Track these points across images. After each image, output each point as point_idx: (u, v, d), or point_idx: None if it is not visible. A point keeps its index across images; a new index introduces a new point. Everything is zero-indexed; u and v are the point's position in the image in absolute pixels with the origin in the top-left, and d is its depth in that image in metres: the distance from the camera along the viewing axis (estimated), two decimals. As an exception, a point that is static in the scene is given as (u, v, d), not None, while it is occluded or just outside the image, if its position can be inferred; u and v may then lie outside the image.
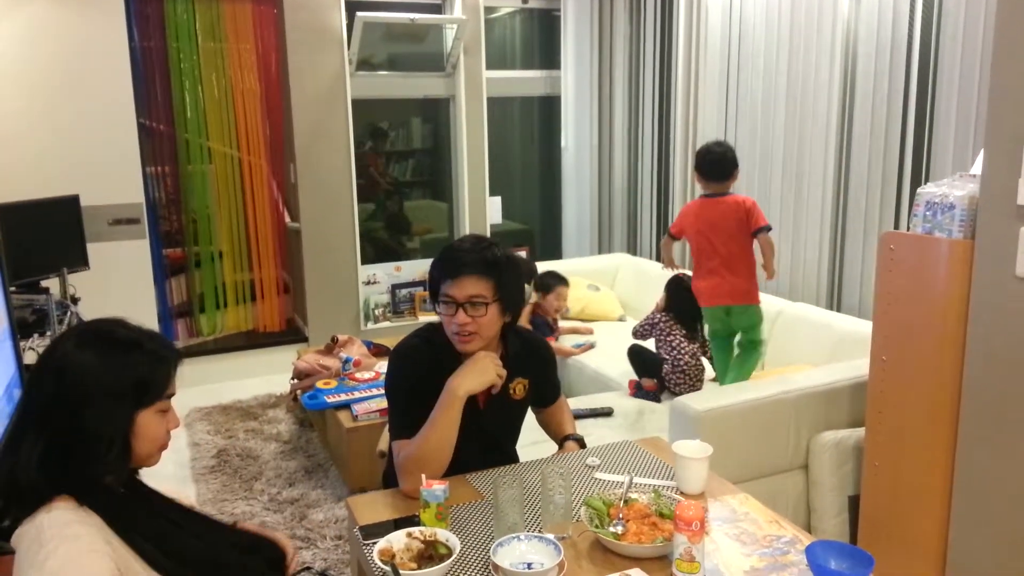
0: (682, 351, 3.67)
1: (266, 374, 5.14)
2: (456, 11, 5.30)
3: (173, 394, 1.44)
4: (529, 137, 6.29)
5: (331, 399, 3.68)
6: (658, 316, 3.81)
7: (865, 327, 3.46)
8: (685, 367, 3.64)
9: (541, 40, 6.01)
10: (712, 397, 2.84)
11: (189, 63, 5.10)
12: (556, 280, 4.47)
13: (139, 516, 1.40)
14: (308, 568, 2.95)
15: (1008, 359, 2.10)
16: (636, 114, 5.39)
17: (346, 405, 3.62)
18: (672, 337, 3.72)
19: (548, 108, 6.01)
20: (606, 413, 3.38)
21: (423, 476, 1.78)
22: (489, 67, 5.51)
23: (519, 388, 2.14)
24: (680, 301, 3.79)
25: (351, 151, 5.20)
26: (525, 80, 5.89)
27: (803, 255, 4.10)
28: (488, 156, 5.61)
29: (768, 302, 4.06)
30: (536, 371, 2.19)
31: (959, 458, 2.29)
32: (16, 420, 1.38)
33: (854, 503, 2.80)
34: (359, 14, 4.94)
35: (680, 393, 3.43)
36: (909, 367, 2.41)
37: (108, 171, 4.64)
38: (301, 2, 4.95)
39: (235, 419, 4.40)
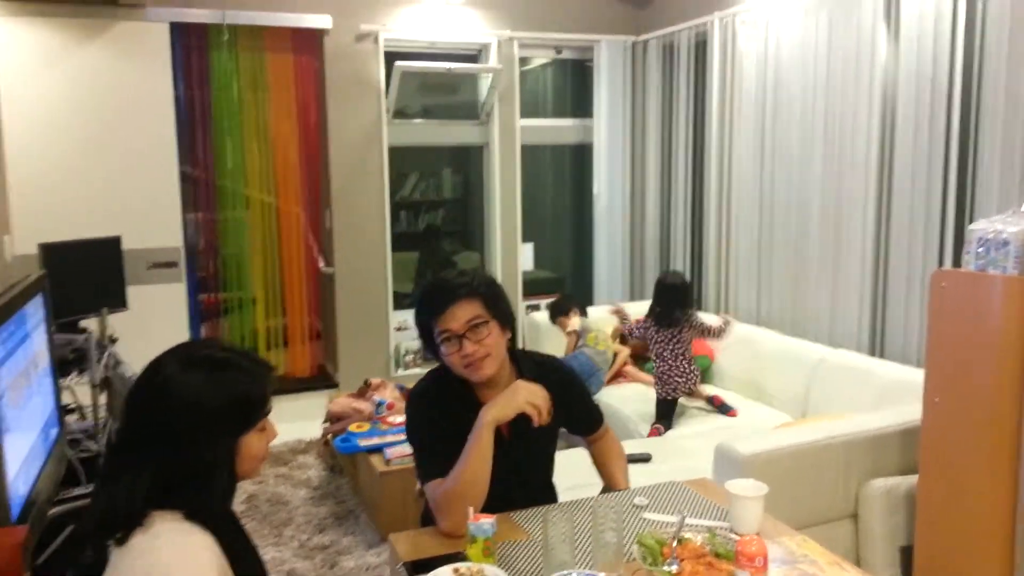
0: (664, 358, 4.00)
1: (296, 420, 5.09)
2: (492, 61, 5.39)
3: (271, 410, 1.41)
4: (561, 185, 6.33)
5: (364, 442, 3.63)
6: (640, 326, 4.17)
7: (910, 373, 3.39)
8: (670, 371, 3.97)
9: (574, 89, 6.08)
10: (758, 441, 2.76)
11: (231, 112, 5.20)
12: (569, 302, 4.82)
13: (238, 540, 1.38)
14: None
15: (1073, 399, 2.03)
16: (669, 161, 5.40)
17: (378, 449, 3.58)
18: (656, 345, 4.06)
19: (580, 156, 6.05)
20: (644, 459, 3.31)
21: (470, 509, 1.73)
22: (523, 115, 5.57)
23: None
24: (659, 302, 4.13)
25: (386, 197, 5.25)
26: (558, 128, 5.94)
27: (843, 301, 4.03)
28: (520, 203, 5.64)
29: (808, 350, 4.01)
30: (559, 392, 2.07)
31: (1020, 505, 2.20)
32: (118, 447, 1.36)
33: (907, 554, 2.68)
34: (397, 63, 5.03)
35: (670, 396, 3.96)
36: (964, 409, 2.34)
37: (149, 216, 4.72)
38: (341, 53, 5.07)
39: (265, 464, 4.35)
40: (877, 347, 3.88)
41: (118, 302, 4.04)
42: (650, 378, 4.25)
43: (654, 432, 3.87)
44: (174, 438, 1.30)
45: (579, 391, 2.26)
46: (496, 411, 1.89)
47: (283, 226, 5.43)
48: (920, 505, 2.51)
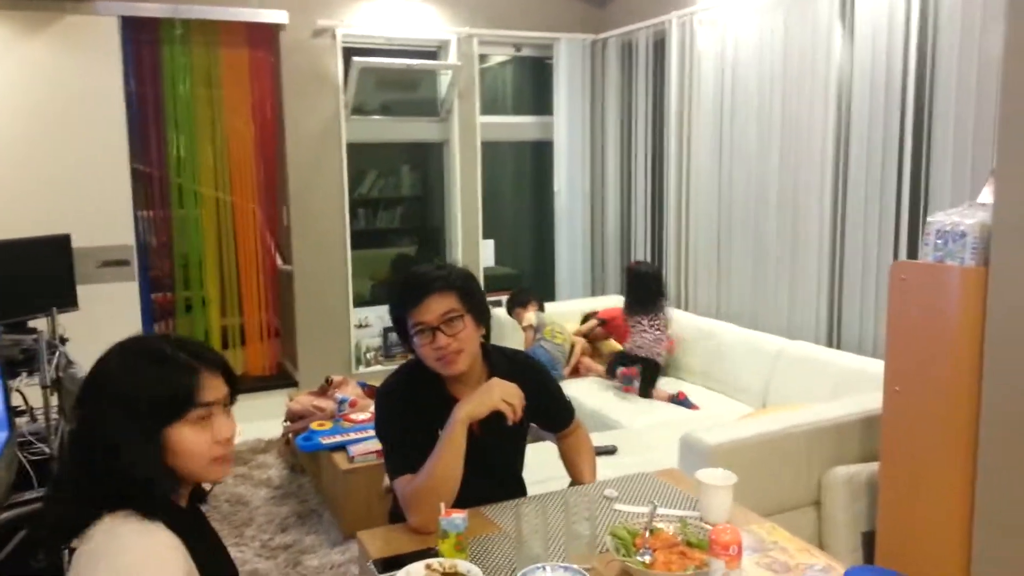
0: (645, 338, 4.32)
1: (255, 419, 4.99)
2: (451, 58, 5.36)
3: (208, 403, 1.33)
4: (521, 181, 6.32)
5: (326, 440, 3.58)
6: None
7: (866, 363, 3.47)
8: (654, 340, 4.34)
9: (534, 87, 6.08)
10: (723, 431, 2.79)
11: (184, 108, 5.09)
12: (525, 296, 4.89)
13: (203, 540, 1.34)
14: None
15: (1028, 385, 2.08)
16: (629, 157, 5.43)
17: (342, 447, 3.53)
18: (637, 327, 4.36)
19: (540, 153, 6.05)
20: (610, 452, 3.32)
21: (442, 505, 1.71)
22: (483, 112, 5.55)
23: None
24: (635, 290, 4.44)
25: (345, 194, 5.19)
26: (518, 125, 5.94)
27: (801, 294, 4.10)
28: (481, 200, 5.62)
29: (767, 342, 4.07)
30: (531, 389, 2.06)
31: (979, 490, 2.25)
32: (69, 445, 1.34)
33: (868, 539, 2.73)
34: (355, 59, 4.98)
35: (654, 356, 4.31)
36: (924, 397, 2.39)
37: (99, 213, 4.60)
38: (298, 48, 4.99)
39: (221, 481, 4.27)
40: (834, 338, 3.96)
41: (68, 301, 3.92)
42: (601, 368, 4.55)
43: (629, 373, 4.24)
44: (98, 429, 1.27)
45: (551, 387, 2.25)
46: (470, 408, 1.88)
47: (239, 224, 5.34)
48: (882, 491, 2.56)
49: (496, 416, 1.99)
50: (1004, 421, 2.16)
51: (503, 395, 1.89)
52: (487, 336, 2.07)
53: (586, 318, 4.90)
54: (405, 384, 2.06)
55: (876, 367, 3.30)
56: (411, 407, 2.00)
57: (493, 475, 2.08)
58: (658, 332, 4.36)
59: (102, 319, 4.48)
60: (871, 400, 2.92)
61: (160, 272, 5.27)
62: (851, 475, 2.79)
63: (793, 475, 2.80)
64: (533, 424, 2.21)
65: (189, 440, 1.31)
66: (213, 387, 1.35)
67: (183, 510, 1.37)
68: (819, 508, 2.85)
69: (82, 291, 4.15)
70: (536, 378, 2.16)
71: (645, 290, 4.41)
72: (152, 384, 1.30)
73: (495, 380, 1.93)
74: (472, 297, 1.97)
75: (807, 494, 2.83)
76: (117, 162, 4.66)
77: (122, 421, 1.27)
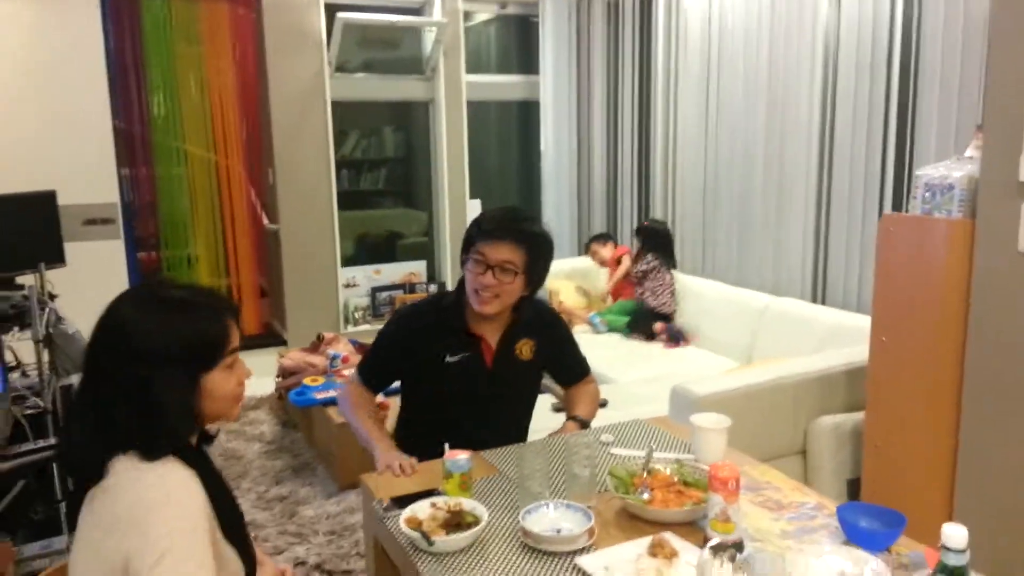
0: (667, 282, 4.59)
1: (247, 379, 5.04)
2: (436, 14, 5.31)
3: (237, 348, 1.38)
4: (507, 141, 6.31)
5: (319, 395, 3.62)
6: (649, 262, 4.60)
7: (850, 318, 3.53)
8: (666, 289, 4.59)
9: (519, 45, 6.04)
10: (712, 383, 2.85)
11: (165, 65, 5.02)
12: None
13: (215, 480, 1.36)
14: (303, 563, 2.90)
15: (1010, 334, 2.14)
16: (615, 116, 5.43)
17: (334, 401, 3.56)
18: (660, 274, 4.59)
19: (527, 113, 6.03)
20: (601, 405, 3.36)
21: (446, 445, 1.76)
22: (468, 71, 5.51)
23: (525, 349, 2.16)
24: (663, 246, 4.65)
25: (331, 153, 5.16)
26: (504, 84, 5.91)
27: (787, 251, 4.15)
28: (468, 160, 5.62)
29: (753, 298, 4.13)
30: (544, 337, 2.19)
31: (963, 436, 2.32)
32: (80, 393, 1.33)
33: (853, 486, 2.82)
34: (339, 15, 4.92)
35: (661, 309, 4.56)
36: (910, 347, 2.45)
37: (82, 171, 4.54)
38: (280, 3, 4.92)
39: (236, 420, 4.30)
40: (819, 294, 4.02)
41: (55, 257, 3.89)
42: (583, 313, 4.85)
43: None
44: (132, 380, 1.27)
45: (565, 340, 2.31)
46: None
47: (224, 182, 5.31)
48: (867, 438, 2.64)
49: (508, 355, 2.10)
50: (987, 369, 2.22)
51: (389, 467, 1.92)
52: (532, 295, 2.14)
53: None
54: (427, 307, 2.17)
55: (860, 321, 3.37)
56: (418, 330, 2.10)
57: (498, 413, 2.16)
58: (673, 286, 4.64)
59: (88, 277, 4.47)
60: (856, 353, 3.00)
61: (145, 231, 5.24)
62: (836, 424, 2.86)
63: (780, 425, 2.88)
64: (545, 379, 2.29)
65: (221, 383, 1.35)
66: (236, 332, 1.40)
67: (194, 450, 1.40)
68: (805, 457, 2.93)
69: (68, 249, 4.13)
70: (554, 329, 2.26)
71: (668, 246, 4.68)
72: (192, 332, 1.32)
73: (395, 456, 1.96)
74: (537, 264, 2.04)
75: (793, 443, 2.91)
76: (99, 119, 4.59)
77: (160, 370, 1.28)
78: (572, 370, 2.33)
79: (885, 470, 2.58)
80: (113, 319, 1.32)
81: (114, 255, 4.70)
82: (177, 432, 1.32)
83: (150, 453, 1.27)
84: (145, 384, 1.27)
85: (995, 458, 2.23)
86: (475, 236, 2.04)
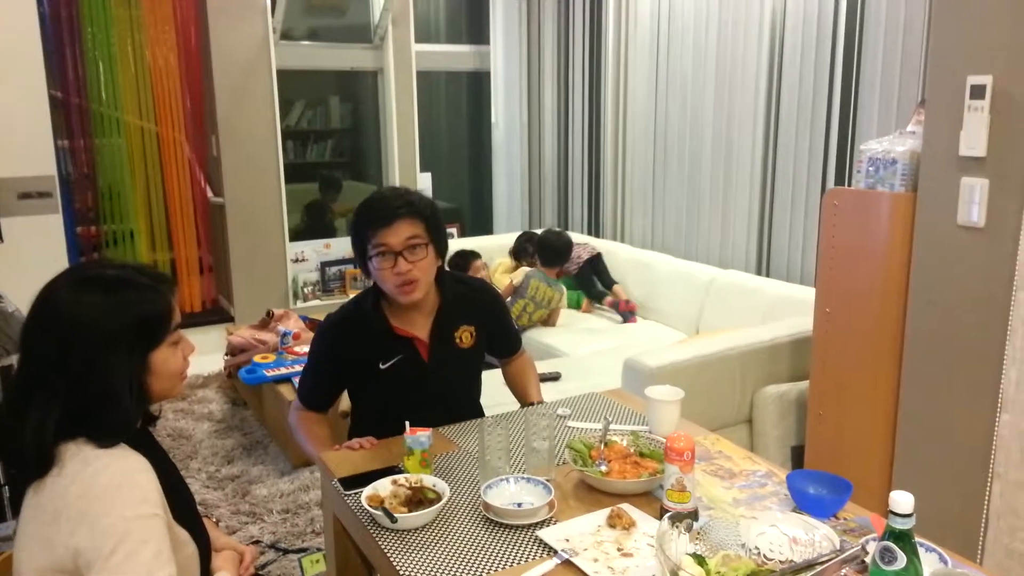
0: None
1: (191, 355, 4.96)
2: (384, -19, 5.22)
3: (179, 323, 1.36)
4: (457, 113, 6.26)
5: (270, 373, 3.58)
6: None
7: (794, 290, 3.63)
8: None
9: (469, 14, 5.97)
10: (663, 354, 2.90)
11: (102, 32, 4.84)
12: (470, 256, 4.75)
13: (164, 462, 1.34)
14: (258, 542, 2.88)
15: (949, 304, 2.23)
16: (566, 89, 5.44)
17: (286, 379, 3.54)
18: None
19: (477, 84, 5.99)
20: (554, 378, 3.42)
21: (407, 423, 1.76)
22: (417, 41, 5.44)
23: (465, 336, 2.10)
24: (545, 254, 4.54)
25: (277, 123, 5.06)
26: (454, 55, 5.85)
27: (732, 225, 4.23)
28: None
29: (700, 271, 4.21)
30: (485, 317, 2.15)
31: (902, 403, 2.42)
32: (19, 381, 1.28)
33: (797, 453, 2.92)
34: (284, -19, 4.80)
35: None
36: (853, 318, 2.53)
37: (17, 142, 4.35)
38: (222, -33, 4.78)
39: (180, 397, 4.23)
40: (763, 267, 4.12)
41: (-9, 234, 3.76)
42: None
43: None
44: (76, 365, 1.24)
45: (502, 314, 2.29)
46: None
47: (165, 154, 5.16)
48: (811, 407, 2.72)
49: (443, 342, 2.05)
50: (927, 338, 2.31)
51: None
52: (441, 265, 2.08)
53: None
54: (346, 320, 2.06)
55: (803, 293, 3.47)
56: (346, 342, 2.04)
57: (447, 403, 2.11)
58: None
59: (25, 253, 4.34)
60: (800, 324, 3.09)
61: (83, 204, 5.08)
62: (781, 393, 2.95)
63: (727, 394, 2.95)
64: None
65: (168, 360, 1.33)
66: (176, 308, 1.37)
67: (139, 432, 1.38)
68: (751, 425, 3.02)
69: (3, 224, 4.00)
70: (489, 305, 2.20)
71: (553, 256, 4.57)
72: (134, 311, 1.29)
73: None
74: (437, 228, 1.98)
75: (740, 412, 2.99)
76: (34, 88, 4.39)
77: (107, 352, 1.25)
78: (510, 344, 2.31)
79: (828, 437, 2.67)
80: (50, 305, 1.27)
81: (52, 230, 4.53)
82: (128, 415, 1.29)
83: (101, 439, 1.25)
84: (92, 368, 1.25)
85: (933, 424, 2.32)
86: (367, 231, 1.93)
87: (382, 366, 2.02)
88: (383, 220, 1.91)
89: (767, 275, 4.07)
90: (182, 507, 1.35)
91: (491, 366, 2.35)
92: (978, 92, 2.05)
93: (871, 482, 2.53)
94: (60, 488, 1.21)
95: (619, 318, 4.45)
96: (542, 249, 4.56)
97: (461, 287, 2.13)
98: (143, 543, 1.17)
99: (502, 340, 2.29)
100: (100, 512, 1.17)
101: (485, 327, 2.15)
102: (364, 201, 1.99)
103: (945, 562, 1.34)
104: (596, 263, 4.69)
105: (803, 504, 1.57)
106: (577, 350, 3.96)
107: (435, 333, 2.05)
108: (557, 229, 4.92)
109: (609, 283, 4.66)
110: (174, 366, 1.35)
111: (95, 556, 1.16)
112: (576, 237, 5.06)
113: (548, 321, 4.41)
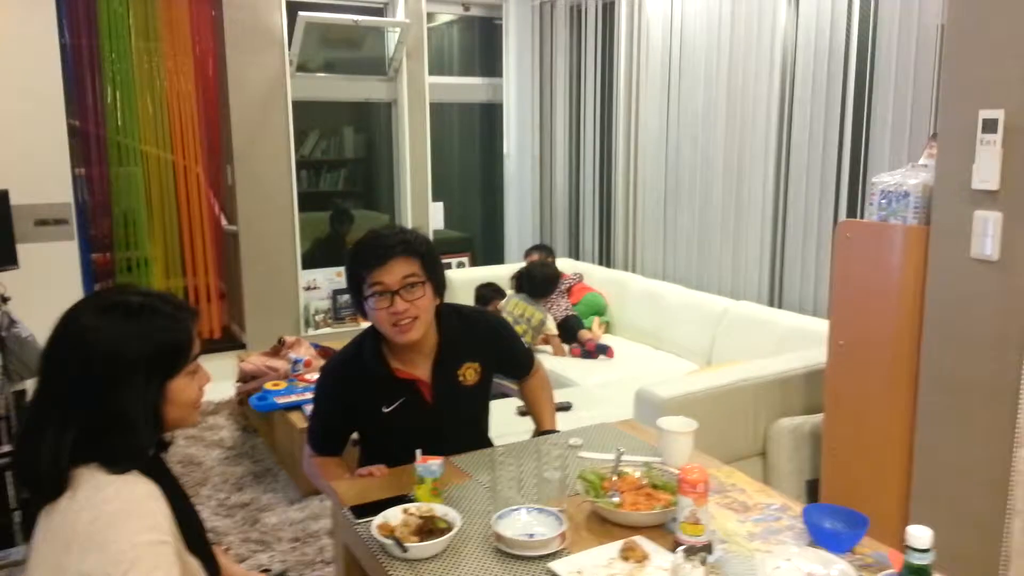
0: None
1: (206, 385, 4.96)
2: (399, 15, 5.30)
3: (199, 353, 1.37)
4: (470, 144, 6.31)
5: (281, 400, 3.58)
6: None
7: (806, 321, 3.61)
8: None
9: (482, 48, 6.05)
10: (675, 385, 2.89)
11: (122, 62, 4.92)
12: (493, 293, 4.59)
13: (175, 490, 1.34)
14: (267, 570, 2.87)
15: (964, 337, 2.22)
16: (578, 121, 5.48)
17: (297, 406, 3.54)
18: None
19: (489, 115, 6.04)
20: (565, 408, 3.40)
21: (418, 452, 1.76)
22: (430, 73, 5.51)
23: (469, 373, 2.08)
24: (529, 285, 4.40)
25: (291, 153, 5.11)
26: (467, 87, 5.91)
27: (744, 256, 4.23)
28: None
29: (712, 302, 4.20)
30: (488, 350, 2.12)
31: (918, 438, 2.39)
32: (38, 403, 1.29)
33: (812, 487, 2.88)
34: (301, 14, 4.88)
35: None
36: (866, 351, 2.52)
37: (34, 170, 4.43)
38: (241, 1, 4.86)
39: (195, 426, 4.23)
40: (776, 298, 4.11)
41: (8, 259, 3.79)
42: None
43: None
44: (95, 390, 1.25)
45: (507, 338, 2.27)
46: None
47: (181, 182, 5.22)
48: (825, 440, 2.70)
49: (447, 381, 2.04)
50: (942, 371, 2.30)
51: None
52: (441, 301, 2.06)
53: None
54: (346, 364, 2.06)
55: (816, 325, 3.46)
56: (348, 388, 2.03)
57: (454, 441, 2.05)
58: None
59: (41, 279, 4.37)
60: (813, 356, 3.07)
61: (99, 232, 5.12)
62: (795, 426, 2.93)
63: (741, 427, 2.93)
64: (496, 378, 2.26)
65: (185, 390, 1.34)
66: (196, 338, 1.38)
67: (152, 459, 1.38)
68: (765, 458, 2.99)
69: (20, 250, 4.03)
70: (492, 333, 2.19)
71: (538, 288, 4.44)
72: (154, 340, 1.30)
73: None
74: (433, 266, 1.97)
75: (754, 445, 2.97)
76: (53, 117, 4.48)
77: (126, 379, 1.26)
78: (520, 363, 2.30)
79: (843, 471, 2.65)
80: (72, 328, 1.28)
81: (67, 256, 4.59)
82: (143, 442, 1.30)
83: (114, 465, 1.25)
84: (110, 394, 1.25)
85: (950, 458, 2.30)
86: (362, 272, 1.91)
87: (385, 410, 2.01)
88: (378, 259, 1.89)
89: (779, 306, 4.05)
90: (193, 536, 1.35)
91: (496, 396, 2.34)
92: (990, 126, 2.06)
93: (887, 517, 2.49)
94: (72, 514, 1.21)
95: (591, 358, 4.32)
96: (527, 281, 4.42)
97: (459, 322, 2.10)
98: (153, 569, 1.17)
99: (511, 364, 2.29)
100: (110, 539, 1.17)
101: (490, 359, 2.14)
102: (359, 240, 1.97)
103: (964, 599, 1.32)
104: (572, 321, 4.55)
105: (819, 538, 1.56)
106: (586, 380, 3.95)
107: (437, 373, 2.04)
108: (542, 260, 4.81)
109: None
110: (190, 396, 1.36)
111: None
112: (579, 264, 5.07)
113: (548, 343, 4.42)
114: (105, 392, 1.25)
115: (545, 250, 5.08)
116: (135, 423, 1.27)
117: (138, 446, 1.29)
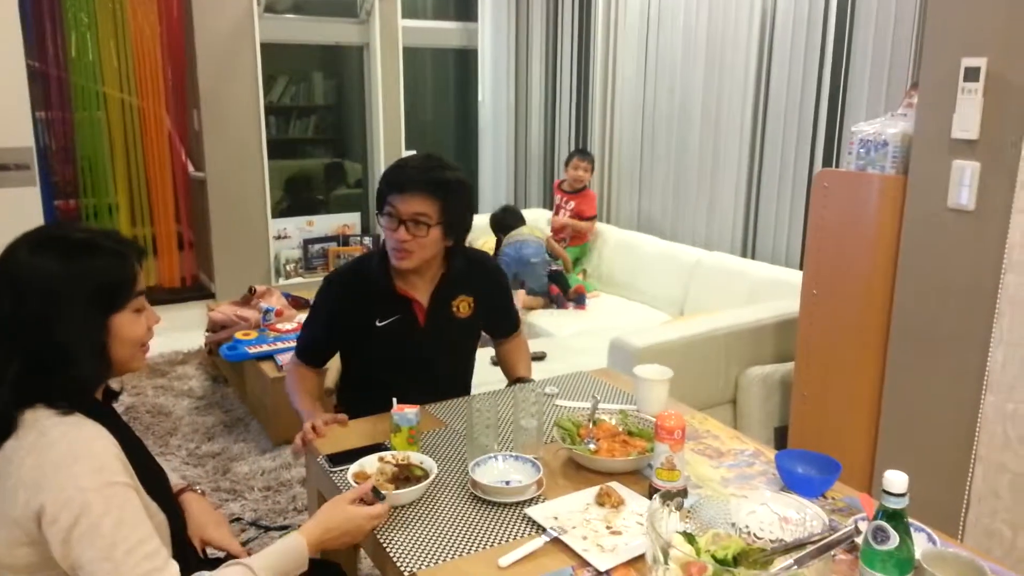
0: None
1: (171, 331, 4.88)
2: (371, -45, 5.14)
3: (144, 291, 1.34)
4: (444, 91, 6.20)
5: (252, 350, 3.54)
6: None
7: (779, 272, 3.63)
8: None
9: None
10: (648, 335, 2.90)
11: (83, 2, 4.73)
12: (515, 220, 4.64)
13: (125, 432, 1.31)
14: (238, 519, 2.86)
15: (937, 286, 2.23)
16: (554, 68, 5.39)
17: (269, 356, 3.50)
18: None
19: (464, 61, 5.93)
20: (539, 358, 3.40)
21: (394, 400, 1.74)
22: (403, 16, 5.38)
23: (462, 306, 2.11)
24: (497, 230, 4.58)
25: (260, 98, 4.99)
26: (441, 31, 5.78)
27: (719, 207, 4.22)
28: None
29: (686, 253, 4.20)
30: (484, 292, 2.14)
31: (887, 385, 2.42)
32: None
33: (780, 434, 2.93)
34: (269, -48, 4.72)
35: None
36: (840, 299, 2.53)
37: (-8, 113, 4.28)
38: (205, -63, 4.68)
39: (141, 376, 4.18)
40: (749, 249, 4.11)
41: (-34, 206, 3.68)
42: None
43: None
44: (33, 324, 1.22)
45: (506, 287, 2.28)
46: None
47: (146, 127, 5.08)
48: (796, 388, 2.73)
49: (442, 311, 2.05)
50: (913, 319, 2.32)
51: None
52: (458, 241, 2.06)
53: None
54: (352, 272, 2.10)
55: (788, 276, 3.47)
56: (347, 294, 2.05)
57: (436, 372, 2.11)
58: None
59: (1, 226, 4.25)
60: (785, 306, 3.09)
61: (62, 178, 4.99)
62: (765, 374, 2.96)
63: (712, 375, 2.95)
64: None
65: (130, 326, 1.31)
66: (141, 275, 1.36)
67: (101, 407, 1.35)
68: (735, 405, 3.02)
69: (-21, 196, 3.91)
70: (494, 283, 2.21)
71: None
72: (96, 273, 1.27)
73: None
74: (451, 212, 1.95)
75: (724, 392, 3.00)
76: (11, 59, 4.29)
77: (65, 313, 1.23)
78: (507, 325, 2.30)
79: (812, 418, 2.68)
80: (10, 265, 1.25)
81: (29, 202, 4.45)
82: (86, 377, 1.27)
83: (59, 403, 1.22)
84: (49, 328, 1.22)
85: (918, 405, 2.33)
86: (384, 189, 1.95)
87: (378, 324, 2.03)
88: (398, 186, 1.92)
89: (752, 257, 4.07)
90: (151, 481, 1.32)
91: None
92: (972, 75, 2.04)
93: (854, 462, 2.54)
94: (17, 459, 1.18)
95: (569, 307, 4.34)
96: (495, 226, 4.60)
97: (464, 261, 2.11)
98: (103, 515, 1.15)
99: (501, 319, 2.28)
100: (57, 485, 1.15)
101: (484, 301, 2.15)
102: (398, 160, 2.02)
103: (934, 542, 1.35)
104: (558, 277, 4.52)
105: (791, 483, 1.57)
106: (562, 330, 3.95)
107: (434, 299, 2.07)
108: (507, 204, 4.88)
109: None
110: (136, 333, 1.32)
111: (56, 529, 1.14)
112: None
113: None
114: (43, 326, 1.22)
115: (588, 157, 4.77)
116: (77, 356, 1.24)
117: (82, 381, 1.26)
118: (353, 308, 2.04)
